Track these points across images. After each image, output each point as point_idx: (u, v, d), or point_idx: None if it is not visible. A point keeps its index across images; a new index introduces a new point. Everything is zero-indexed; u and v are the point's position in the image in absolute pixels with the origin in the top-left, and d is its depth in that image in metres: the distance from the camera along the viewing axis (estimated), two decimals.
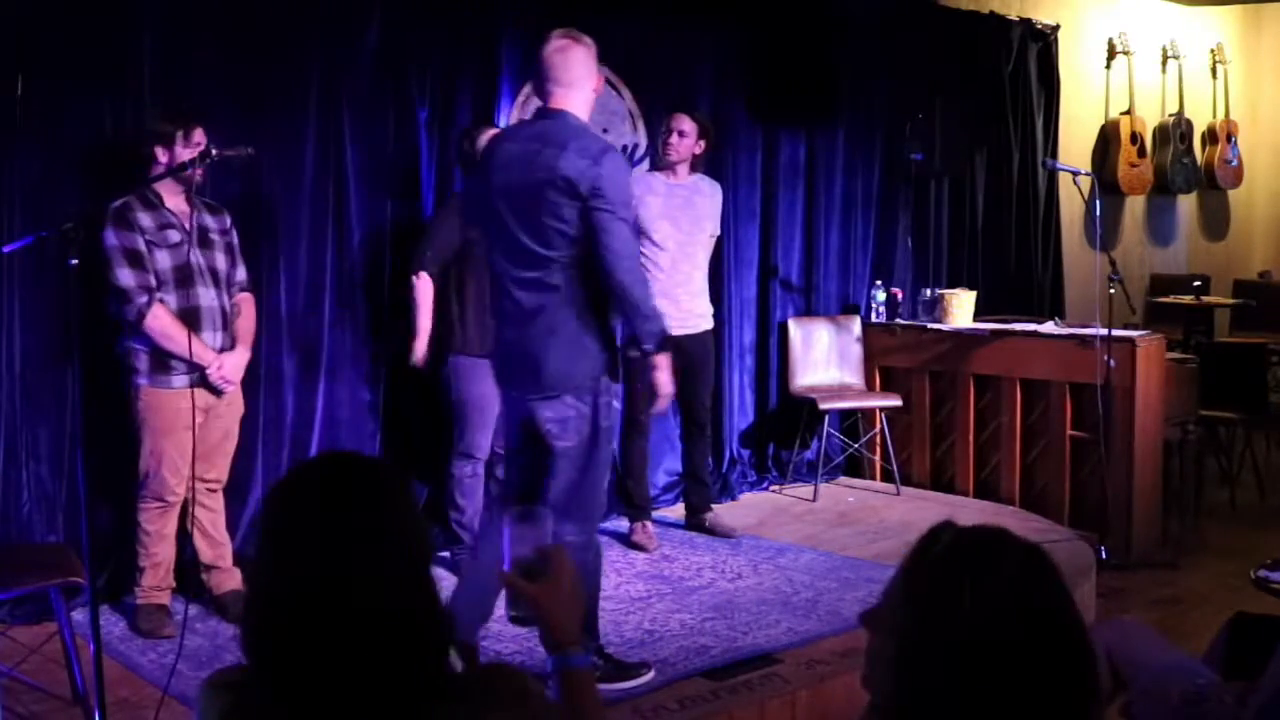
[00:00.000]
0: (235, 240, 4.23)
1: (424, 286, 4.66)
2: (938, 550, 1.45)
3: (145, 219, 3.98)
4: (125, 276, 3.93)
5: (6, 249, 3.37)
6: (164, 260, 3.98)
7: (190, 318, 3.99)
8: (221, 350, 4.08)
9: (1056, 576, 1.42)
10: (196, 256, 4.03)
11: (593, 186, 3.34)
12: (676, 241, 5.11)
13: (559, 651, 1.63)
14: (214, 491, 4.22)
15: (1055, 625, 1.39)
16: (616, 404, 3.68)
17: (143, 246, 3.96)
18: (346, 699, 1.39)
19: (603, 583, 4.61)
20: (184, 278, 4.01)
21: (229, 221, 4.23)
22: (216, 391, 4.07)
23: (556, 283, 3.40)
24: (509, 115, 5.31)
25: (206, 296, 4.04)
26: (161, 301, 3.97)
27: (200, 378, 4.01)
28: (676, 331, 5.05)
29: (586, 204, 3.35)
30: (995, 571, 1.40)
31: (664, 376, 3.57)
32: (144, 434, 4.03)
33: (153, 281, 3.96)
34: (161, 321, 3.95)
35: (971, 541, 1.46)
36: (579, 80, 3.49)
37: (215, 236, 4.13)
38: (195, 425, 4.02)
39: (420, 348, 4.69)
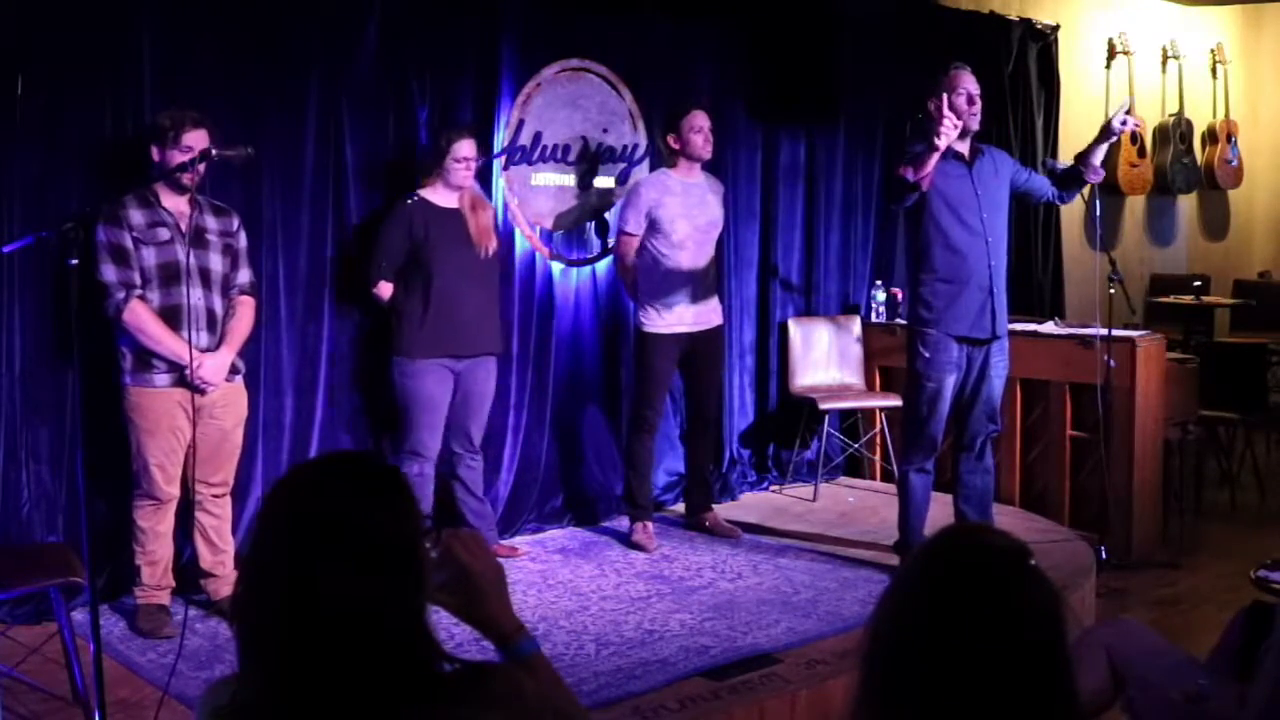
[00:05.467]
0: (241, 244, 4.20)
1: (387, 288, 4.72)
2: (918, 556, 1.45)
3: (137, 216, 3.97)
4: (108, 272, 3.93)
5: (6, 249, 3.38)
6: (150, 258, 3.97)
7: (171, 316, 3.97)
8: (206, 351, 4.02)
9: (1038, 577, 1.43)
10: (185, 256, 3.98)
11: None
12: (694, 240, 5.13)
13: (506, 644, 1.60)
14: (219, 497, 4.18)
15: (1035, 628, 1.40)
16: (929, 354, 4.47)
17: (129, 243, 3.95)
18: (335, 699, 1.38)
19: (605, 583, 4.68)
20: (169, 276, 3.98)
21: (235, 224, 4.19)
22: (198, 391, 3.99)
23: None
24: (509, 115, 5.30)
25: (191, 296, 3.96)
26: (142, 298, 3.95)
27: (182, 377, 3.97)
28: (695, 328, 5.13)
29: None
30: (977, 575, 1.41)
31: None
32: (131, 434, 4.02)
33: (136, 278, 3.95)
34: (138, 317, 3.94)
35: (953, 546, 1.46)
36: None
37: (213, 238, 4.09)
38: (189, 426, 4.02)
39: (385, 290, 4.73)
